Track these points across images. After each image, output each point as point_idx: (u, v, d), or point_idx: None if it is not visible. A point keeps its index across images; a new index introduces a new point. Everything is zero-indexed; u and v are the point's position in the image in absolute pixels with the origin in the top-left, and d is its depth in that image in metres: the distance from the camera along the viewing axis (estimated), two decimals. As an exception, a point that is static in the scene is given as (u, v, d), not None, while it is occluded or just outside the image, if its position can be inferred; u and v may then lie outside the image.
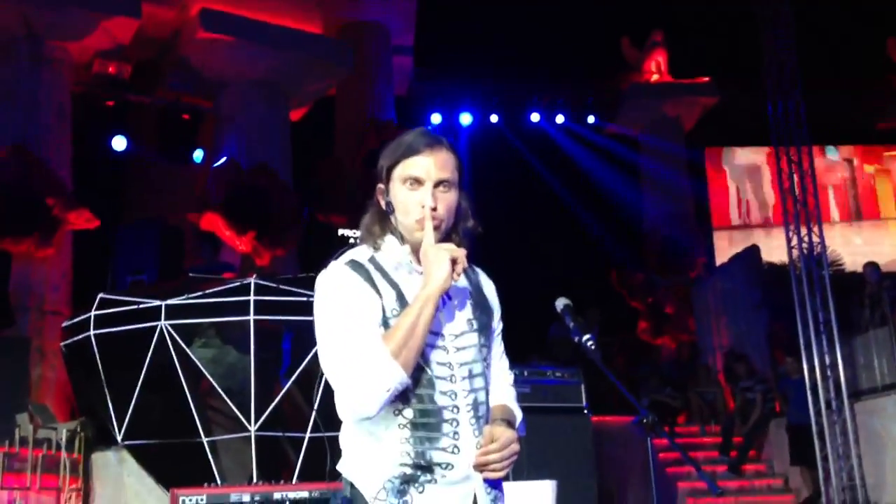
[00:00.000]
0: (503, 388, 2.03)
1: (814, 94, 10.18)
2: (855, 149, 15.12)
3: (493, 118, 15.16)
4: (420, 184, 1.86)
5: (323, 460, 6.52)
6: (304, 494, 4.61)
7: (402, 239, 1.89)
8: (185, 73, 11.70)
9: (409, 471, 1.78)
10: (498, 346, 2.03)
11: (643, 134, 15.17)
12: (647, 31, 15.74)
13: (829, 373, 8.43)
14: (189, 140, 12.16)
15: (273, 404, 6.78)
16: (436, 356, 1.82)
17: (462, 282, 1.92)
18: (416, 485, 1.78)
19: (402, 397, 1.77)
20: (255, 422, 6.61)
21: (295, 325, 7.19)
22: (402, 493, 1.77)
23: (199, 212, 10.57)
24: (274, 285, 6.91)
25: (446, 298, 1.87)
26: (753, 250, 11.05)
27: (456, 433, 1.79)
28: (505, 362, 2.07)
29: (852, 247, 13.99)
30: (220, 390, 6.78)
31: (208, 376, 6.79)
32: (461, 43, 14.02)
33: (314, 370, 6.83)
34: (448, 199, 1.88)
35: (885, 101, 14.60)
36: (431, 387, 1.80)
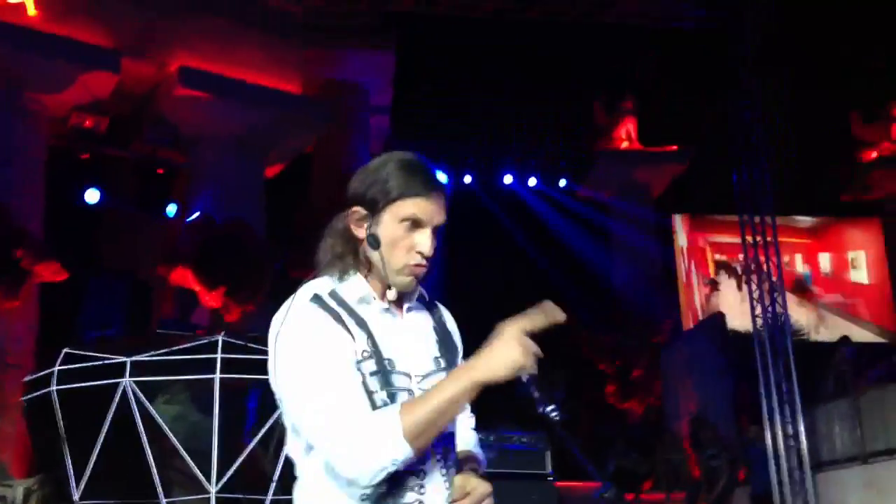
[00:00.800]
0: (466, 432, 1.90)
1: (779, 165, 10.48)
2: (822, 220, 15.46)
3: (467, 179, 15.38)
4: (419, 226, 1.71)
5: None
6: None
7: (368, 273, 1.74)
8: (162, 128, 11.80)
9: None
10: None
11: (613, 198, 15.44)
12: (619, 97, 16.15)
13: (791, 442, 8.50)
14: (163, 194, 12.18)
15: (235, 465, 6.70)
16: (402, 398, 1.64)
17: (423, 318, 1.81)
18: None
19: None
20: (217, 482, 6.52)
21: (261, 384, 7.14)
22: None
23: (170, 266, 10.54)
24: (241, 343, 6.88)
25: (410, 335, 1.74)
26: (718, 317, 11.20)
27: (422, 486, 1.65)
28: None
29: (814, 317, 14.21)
30: (181, 450, 6.68)
31: (170, 435, 6.70)
32: (438, 104, 14.30)
33: (280, 430, 6.82)
34: (435, 244, 1.74)
35: (849, 174, 15.01)
36: None
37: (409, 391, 1.69)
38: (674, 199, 15.59)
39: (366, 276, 1.74)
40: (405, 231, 1.71)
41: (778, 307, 9.24)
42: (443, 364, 1.76)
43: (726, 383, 10.44)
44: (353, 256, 1.75)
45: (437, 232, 1.75)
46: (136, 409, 6.74)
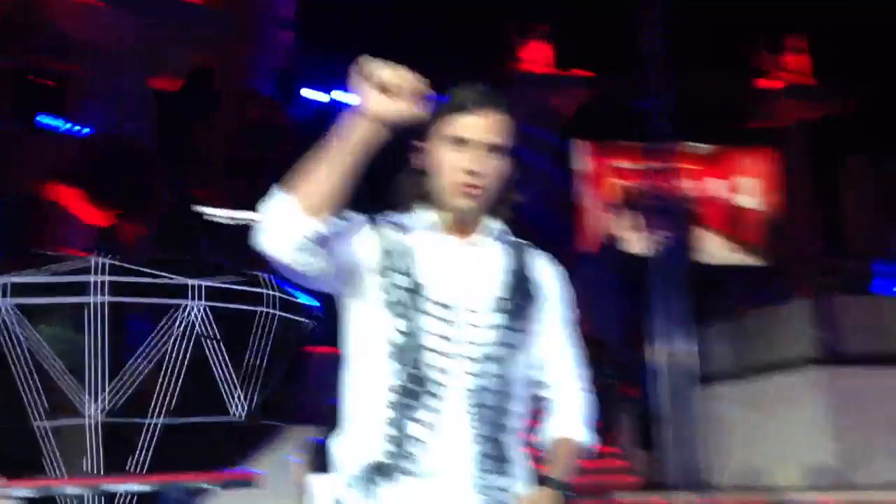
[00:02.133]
0: (569, 398, 1.80)
1: (684, 93, 10.62)
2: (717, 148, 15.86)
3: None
4: (466, 145, 1.65)
5: (174, 449, 6.42)
6: (135, 487, 4.44)
7: (434, 205, 1.70)
8: (51, 37, 11.08)
9: (388, 449, 1.59)
10: (558, 336, 1.79)
11: (522, 122, 15.43)
12: (535, 23, 16.02)
13: (679, 360, 8.88)
14: (50, 107, 11.52)
15: (121, 389, 6.58)
16: (436, 326, 1.62)
17: (501, 256, 1.73)
18: (390, 476, 1.59)
19: (399, 357, 1.61)
20: (99, 407, 6.39)
21: (150, 307, 6.98)
22: (372, 483, 1.60)
23: (58, 184, 10.07)
24: (122, 265, 6.67)
25: (471, 270, 1.68)
26: (615, 241, 11.47)
27: (437, 410, 1.59)
28: (573, 357, 1.82)
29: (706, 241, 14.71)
30: (62, 373, 6.51)
31: (51, 358, 6.51)
32: (345, 19, 13.85)
33: (169, 354, 6.70)
34: (497, 167, 1.67)
35: (747, 103, 15.37)
36: (421, 354, 1.61)
37: (448, 321, 1.63)
38: (580, 124, 15.71)
39: (433, 210, 1.71)
40: (451, 151, 1.66)
41: (672, 231, 9.51)
42: (505, 305, 1.68)
43: (620, 305, 10.76)
44: (422, 191, 1.72)
45: (498, 151, 1.67)
46: (15, 332, 6.52)
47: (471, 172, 1.65)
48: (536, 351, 1.77)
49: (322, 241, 1.52)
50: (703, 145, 15.18)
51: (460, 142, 1.66)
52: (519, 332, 1.69)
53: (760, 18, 14.58)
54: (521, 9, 15.79)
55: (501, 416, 1.64)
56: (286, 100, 13.88)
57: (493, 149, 1.67)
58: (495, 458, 1.63)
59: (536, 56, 16.11)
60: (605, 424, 9.50)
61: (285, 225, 1.49)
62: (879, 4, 12.54)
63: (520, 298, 1.71)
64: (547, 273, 1.80)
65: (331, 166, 1.50)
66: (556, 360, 1.80)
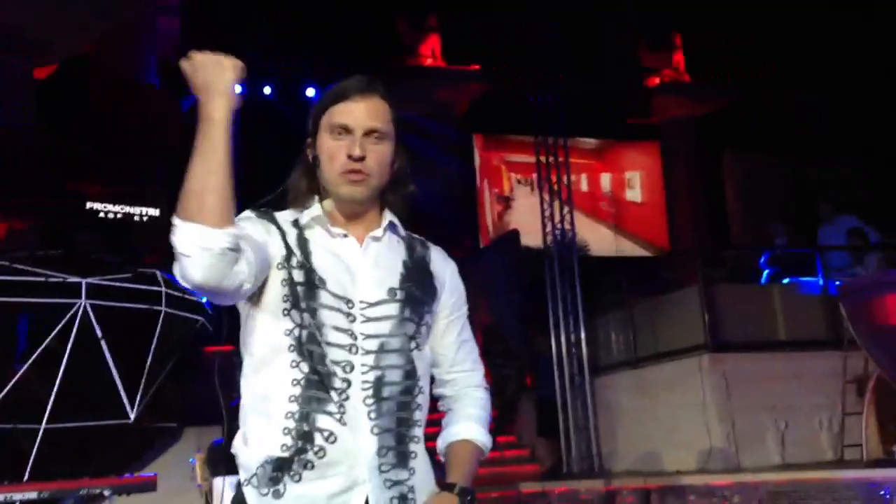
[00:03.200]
0: (465, 396, 1.83)
1: (572, 88, 10.88)
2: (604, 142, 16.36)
3: (267, 90, 14.73)
4: (348, 132, 1.69)
5: (61, 454, 6.08)
6: (32, 495, 4.18)
7: (324, 196, 1.75)
8: None
9: (289, 443, 1.58)
10: (451, 329, 1.82)
11: (416, 116, 15.45)
12: (424, 14, 16.01)
13: (573, 350, 9.12)
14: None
15: (3, 392, 6.18)
16: (333, 319, 1.62)
17: (396, 249, 1.76)
18: (292, 472, 1.57)
19: (298, 350, 1.60)
20: (-19, 413, 5.98)
21: (32, 306, 6.58)
22: (274, 480, 1.58)
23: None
24: (6, 263, 6.26)
25: (365, 263, 1.70)
26: (513, 234, 11.65)
27: (342, 406, 1.59)
28: (467, 351, 1.85)
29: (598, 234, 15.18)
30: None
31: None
32: (234, 8, 13.45)
33: (54, 354, 6.34)
34: (380, 152, 1.71)
35: (634, 99, 15.89)
36: (320, 347, 1.61)
37: (346, 314, 1.62)
38: (474, 118, 15.84)
39: (324, 202, 1.74)
40: (332, 140, 1.70)
41: (566, 224, 9.74)
42: (399, 295, 1.68)
43: (517, 297, 10.93)
44: (311, 184, 1.76)
45: (379, 136, 1.69)
46: None
47: (351, 157, 1.68)
48: (431, 346, 1.79)
49: (236, 247, 1.51)
50: (591, 140, 15.61)
51: (340, 129, 1.70)
52: (415, 324, 1.71)
53: (644, 16, 15.11)
54: (412, 2, 15.76)
55: (402, 409, 1.66)
56: (171, 89, 13.36)
57: (373, 133, 1.70)
58: (397, 451, 1.64)
59: (428, 50, 16.13)
60: (504, 415, 9.66)
61: (202, 251, 1.47)
62: (750, 5, 13.25)
63: (414, 288, 1.72)
64: (441, 267, 1.83)
65: (219, 172, 1.51)
66: (451, 355, 1.83)
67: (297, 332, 1.63)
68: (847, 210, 9.32)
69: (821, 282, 8.23)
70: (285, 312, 1.63)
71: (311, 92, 14.95)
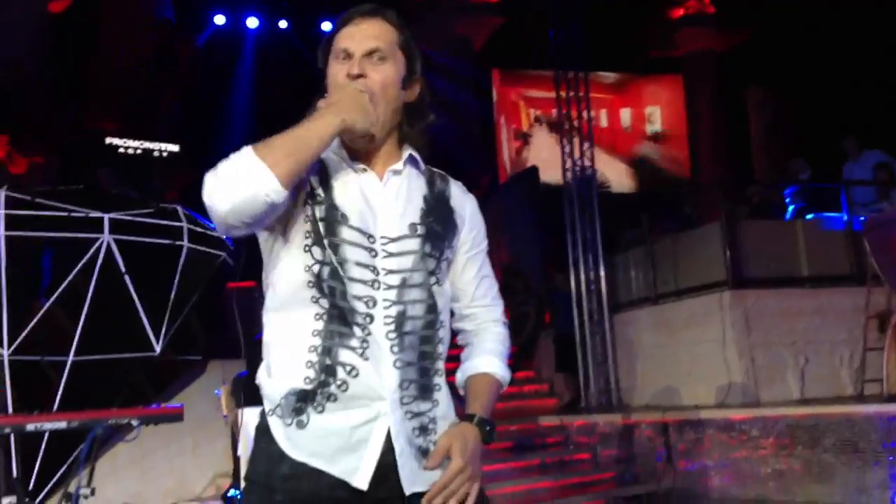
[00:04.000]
0: (484, 331, 1.84)
1: (592, 21, 10.63)
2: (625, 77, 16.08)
3: (283, 24, 14.52)
4: (349, 56, 1.69)
5: (89, 386, 6.19)
6: (62, 424, 4.25)
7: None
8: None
9: (312, 376, 1.59)
10: (471, 264, 1.81)
11: (433, 51, 15.19)
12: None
13: (592, 287, 9.12)
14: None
15: (30, 325, 6.26)
16: (355, 255, 1.62)
17: (417, 183, 1.75)
18: (315, 403, 1.59)
19: (318, 286, 1.60)
20: (9, 345, 6.07)
21: (55, 241, 6.63)
22: (297, 411, 1.60)
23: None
24: (27, 198, 6.27)
25: (386, 197, 1.69)
26: (532, 171, 11.55)
27: (365, 341, 1.60)
28: (487, 286, 1.85)
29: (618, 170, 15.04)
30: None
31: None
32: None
33: (79, 289, 6.40)
34: (381, 72, 1.68)
35: (656, 31, 15.57)
36: (342, 283, 1.61)
37: (368, 249, 1.62)
38: (492, 53, 15.58)
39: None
40: (337, 64, 1.70)
41: (586, 160, 9.63)
42: (419, 230, 1.68)
43: (536, 234, 10.90)
44: None
45: (380, 55, 1.69)
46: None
47: (349, 75, 1.67)
48: (451, 281, 1.79)
49: (275, 206, 1.53)
50: (611, 74, 15.35)
51: (343, 53, 1.70)
52: (436, 259, 1.70)
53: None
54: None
55: (424, 342, 1.67)
56: (187, 23, 13.19)
57: (374, 53, 1.69)
58: (418, 383, 1.65)
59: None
60: (524, 351, 9.73)
61: (252, 185, 1.49)
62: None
63: (435, 224, 1.72)
64: (461, 201, 1.81)
65: (305, 140, 1.55)
66: (471, 290, 1.83)
67: (316, 268, 1.63)
68: (873, 145, 9.14)
69: (845, 217, 8.13)
70: (306, 248, 1.63)
71: (327, 26, 14.74)
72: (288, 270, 1.65)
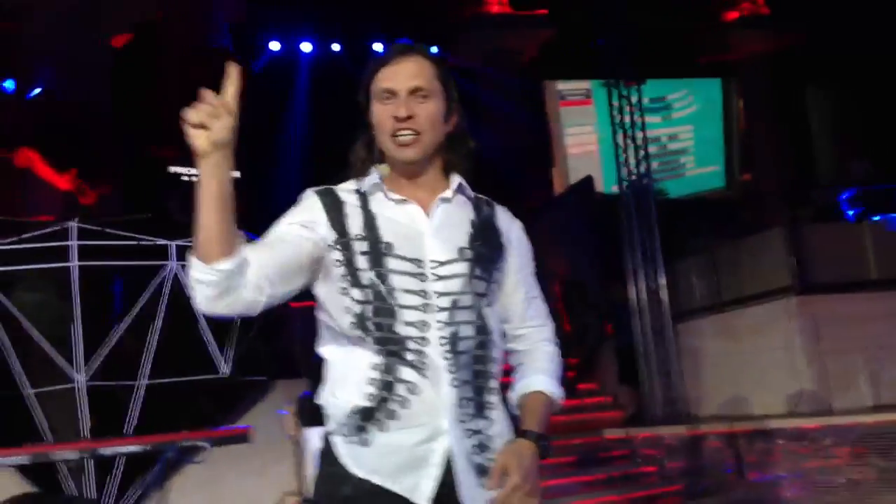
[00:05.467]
0: (536, 351, 1.86)
1: (643, 27, 10.56)
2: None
3: (335, 47, 14.77)
4: (393, 95, 1.72)
5: (161, 410, 6.35)
6: (136, 448, 4.39)
7: (381, 160, 1.80)
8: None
9: (374, 392, 1.65)
10: (520, 286, 1.84)
11: (482, 66, 15.27)
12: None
13: (653, 296, 9.00)
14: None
15: (104, 352, 6.47)
16: (404, 283, 1.67)
17: (464, 209, 1.80)
18: (378, 421, 1.65)
19: (361, 326, 1.66)
20: (84, 371, 6.28)
21: (124, 269, 6.85)
22: (361, 429, 1.66)
23: (12, 148, 9.72)
24: (98, 229, 6.51)
25: (432, 224, 1.73)
26: (587, 181, 11.47)
27: (422, 362, 1.65)
28: (536, 308, 1.88)
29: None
30: (44, 339, 6.38)
31: (30, 325, 6.36)
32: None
33: (149, 315, 6.59)
34: (427, 110, 1.73)
35: (709, 35, 15.35)
36: (391, 316, 1.65)
37: (416, 275, 1.67)
38: (543, 65, 15.55)
39: (382, 169, 1.78)
40: (381, 105, 1.73)
41: (642, 168, 9.54)
42: (468, 255, 1.72)
43: (594, 245, 10.82)
44: (374, 155, 1.80)
45: (424, 94, 1.72)
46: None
47: (397, 118, 1.71)
48: (501, 303, 1.82)
49: (228, 278, 1.55)
50: (663, 81, 15.17)
51: (386, 93, 1.73)
52: (485, 282, 1.74)
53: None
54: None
55: (478, 362, 1.71)
56: (242, 52, 13.52)
57: (418, 91, 1.72)
58: (475, 402, 1.69)
59: (495, -1, 15.85)
60: (586, 364, 9.66)
61: (196, 283, 1.56)
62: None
63: (482, 247, 1.76)
64: (507, 225, 1.87)
65: (210, 211, 1.54)
66: (520, 311, 1.86)
67: (358, 308, 1.68)
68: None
69: (913, 218, 7.89)
70: (343, 291, 1.68)
71: (378, 47, 14.94)
72: (334, 314, 1.72)
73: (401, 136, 1.71)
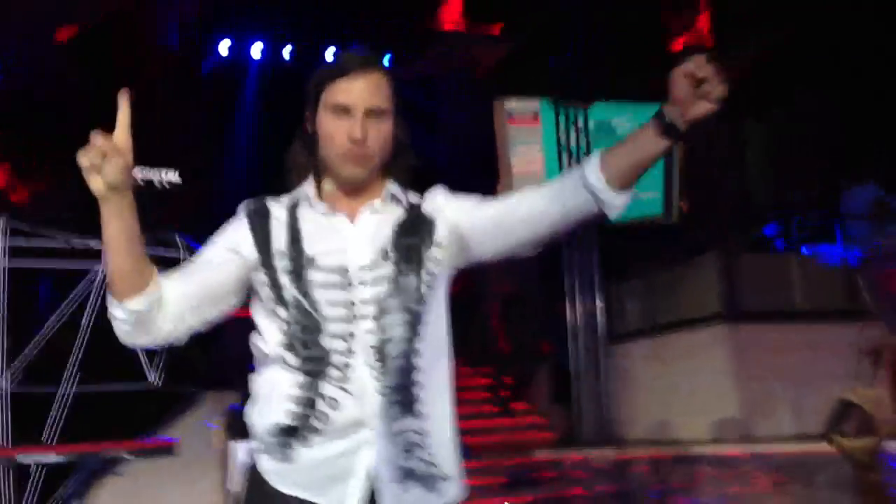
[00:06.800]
0: (541, 190, 1.71)
1: (594, 49, 10.73)
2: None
3: (287, 51, 14.66)
4: (348, 112, 1.67)
5: (85, 419, 6.20)
6: (55, 458, 4.29)
7: (324, 173, 1.75)
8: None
9: (295, 410, 1.63)
10: (480, 212, 1.75)
11: (437, 79, 15.34)
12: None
13: (590, 318, 9.12)
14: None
15: (27, 357, 6.30)
16: (328, 295, 1.64)
17: (393, 214, 1.75)
18: (300, 437, 1.63)
19: (289, 344, 1.65)
20: (5, 377, 6.10)
21: (53, 271, 6.69)
22: (284, 445, 1.64)
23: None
24: (27, 228, 6.35)
25: (358, 231, 1.71)
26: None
27: (346, 377, 1.62)
28: (497, 202, 1.75)
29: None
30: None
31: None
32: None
33: (77, 319, 6.44)
34: (381, 131, 1.70)
35: (657, 62, 15.67)
36: (318, 331, 1.63)
37: (339, 285, 1.65)
38: (496, 81, 15.67)
39: (322, 178, 1.76)
40: (334, 119, 1.68)
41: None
42: (392, 256, 1.69)
43: (536, 263, 10.92)
44: (313, 161, 1.76)
45: (381, 114, 1.69)
46: None
47: (355, 140, 1.67)
48: (486, 232, 1.75)
49: (138, 315, 1.58)
50: (609, 104, 15.40)
51: (342, 109, 1.68)
52: (415, 273, 1.69)
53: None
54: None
55: (408, 356, 1.66)
56: (191, 51, 13.34)
57: (375, 112, 1.69)
58: (402, 401, 1.65)
59: (450, 12, 15.95)
60: (521, 382, 9.72)
61: (113, 319, 1.60)
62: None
63: (406, 238, 1.72)
64: (430, 201, 1.80)
65: (115, 252, 1.55)
66: (502, 209, 1.74)
67: (284, 327, 1.68)
68: (868, 179, 9.17)
69: (841, 251, 8.14)
70: (271, 312, 1.69)
71: (330, 53, 14.88)
72: (265, 335, 1.71)
73: (353, 156, 1.69)
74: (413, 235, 1.73)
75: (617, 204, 1.63)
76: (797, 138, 13.17)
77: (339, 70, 1.69)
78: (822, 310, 7.67)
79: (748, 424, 7.14)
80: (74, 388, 6.11)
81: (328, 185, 1.77)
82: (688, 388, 7.78)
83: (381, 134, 1.71)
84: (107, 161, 1.49)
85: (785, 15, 13.17)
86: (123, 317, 1.57)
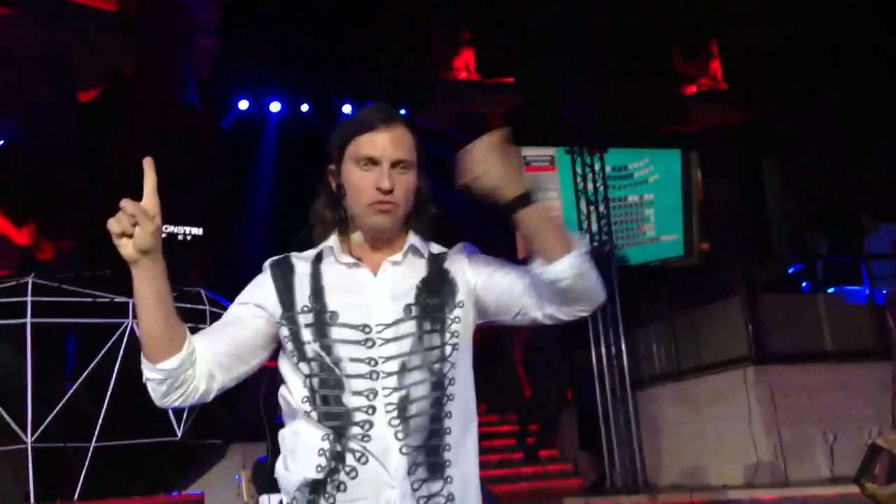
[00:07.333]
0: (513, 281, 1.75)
1: (606, 98, 10.85)
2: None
3: (304, 107, 14.91)
4: (375, 164, 1.70)
5: (112, 473, 6.19)
6: (84, 514, 4.26)
7: (350, 226, 1.76)
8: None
9: (323, 464, 1.62)
10: (496, 279, 1.76)
11: (450, 129, 15.50)
12: (458, 29, 16.09)
13: (614, 363, 9.05)
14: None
15: (54, 412, 6.31)
16: (349, 352, 1.64)
17: (415, 268, 1.76)
18: (326, 494, 1.61)
19: (310, 399, 1.65)
20: (33, 432, 6.11)
21: (80, 326, 6.74)
22: (312, 502, 1.63)
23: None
24: (55, 285, 6.41)
25: (380, 286, 1.71)
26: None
27: (367, 435, 1.61)
28: (512, 272, 1.76)
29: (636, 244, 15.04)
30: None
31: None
32: (271, 27, 13.66)
33: (103, 373, 6.46)
34: (406, 182, 1.72)
35: (670, 108, 15.80)
36: (339, 387, 1.63)
37: (362, 342, 1.65)
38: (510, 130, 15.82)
39: (349, 232, 1.76)
40: (361, 171, 1.70)
41: (603, 235, 9.69)
42: (415, 312, 1.69)
43: (556, 309, 10.87)
44: (338, 213, 1.77)
45: (406, 166, 1.72)
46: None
47: (381, 190, 1.69)
48: (500, 303, 1.77)
49: (172, 375, 1.62)
50: (625, 150, 15.51)
51: (367, 160, 1.70)
52: (439, 332, 1.69)
53: (676, 25, 15.03)
54: (444, 16, 15.85)
55: (433, 420, 1.65)
56: (211, 108, 13.59)
57: (400, 164, 1.72)
58: (428, 463, 1.64)
59: (462, 63, 16.21)
60: (547, 429, 9.62)
61: (147, 381, 1.63)
62: (785, 9, 13.09)
63: (430, 298, 1.71)
64: (453, 260, 1.80)
65: (147, 314, 1.59)
66: (518, 289, 1.76)
67: (307, 381, 1.68)
68: (889, 219, 9.14)
69: (867, 291, 8.08)
70: (295, 366, 1.69)
71: (347, 108, 15.10)
72: (291, 388, 1.71)
73: (381, 206, 1.70)
74: (436, 295, 1.73)
75: (559, 270, 1.66)
76: (815, 179, 13.19)
77: (365, 124, 1.72)
78: (851, 350, 7.59)
79: (781, 468, 7.01)
80: (102, 442, 6.09)
81: (355, 237, 1.78)
82: (717, 432, 7.67)
83: (406, 185, 1.73)
84: (137, 226, 1.52)
85: (791, 60, 13.28)
86: (158, 377, 1.60)
